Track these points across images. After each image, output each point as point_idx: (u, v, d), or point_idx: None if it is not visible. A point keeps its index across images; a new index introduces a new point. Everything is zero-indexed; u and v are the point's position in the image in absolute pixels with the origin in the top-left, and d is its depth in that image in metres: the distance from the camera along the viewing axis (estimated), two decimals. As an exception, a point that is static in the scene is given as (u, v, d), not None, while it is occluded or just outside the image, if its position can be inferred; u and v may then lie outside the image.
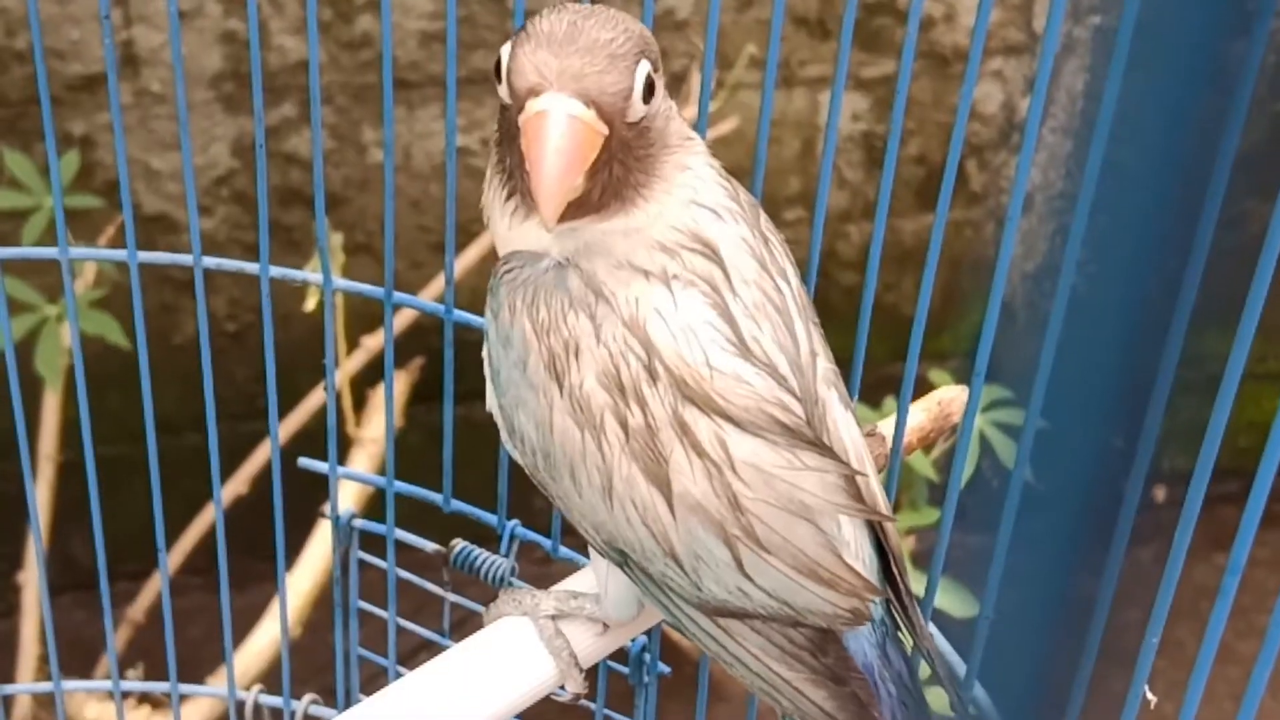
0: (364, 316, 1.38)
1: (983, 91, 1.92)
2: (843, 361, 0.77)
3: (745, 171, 0.78)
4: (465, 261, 1.57)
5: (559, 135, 0.62)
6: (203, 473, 0.91)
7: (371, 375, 1.52)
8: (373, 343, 1.49)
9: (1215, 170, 0.41)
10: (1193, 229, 0.46)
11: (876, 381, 1.10)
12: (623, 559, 0.69)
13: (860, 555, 0.68)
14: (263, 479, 1.00)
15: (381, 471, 0.97)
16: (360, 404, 1.51)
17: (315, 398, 1.52)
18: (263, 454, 1.49)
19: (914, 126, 1.93)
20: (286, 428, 1.49)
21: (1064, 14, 0.61)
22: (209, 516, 1.50)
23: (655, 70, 0.65)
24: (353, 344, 1.47)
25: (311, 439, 0.97)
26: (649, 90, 0.65)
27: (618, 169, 0.65)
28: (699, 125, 0.78)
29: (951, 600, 0.90)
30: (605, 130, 0.64)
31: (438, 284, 1.59)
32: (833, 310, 0.93)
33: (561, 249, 0.67)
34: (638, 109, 0.65)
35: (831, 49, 1.90)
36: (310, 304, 1.34)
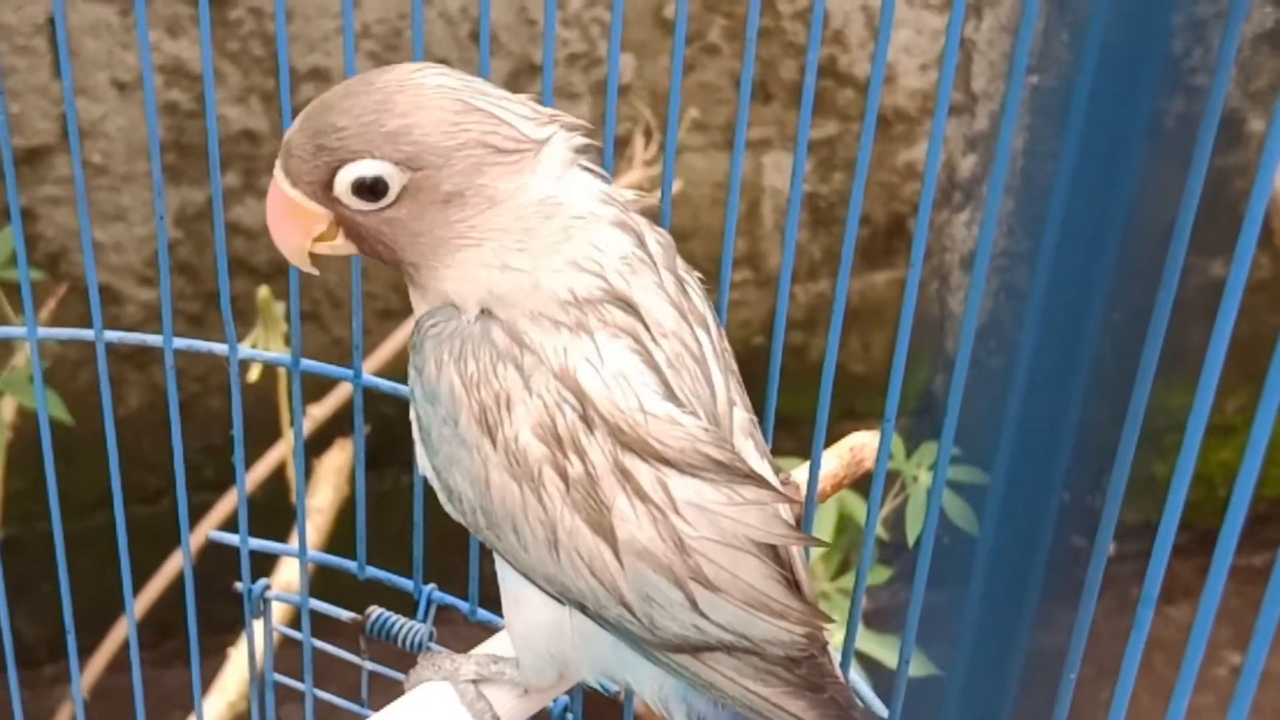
0: (308, 386, 1.37)
1: (923, 150, 1.94)
2: (789, 422, 0.77)
3: (689, 234, 0.78)
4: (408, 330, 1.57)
5: (271, 200, 0.68)
6: (147, 545, 0.90)
7: (317, 444, 1.50)
8: (319, 412, 1.48)
9: (1175, 229, 0.41)
10: (1138, 284, 0.47)
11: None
12: (581, 608, 0.69)
13: (807, 582, 0.69)
14: (207, 550, 0.99)
15: (327, 543, 0.96)
16: (305, 474, 1.50)
17: (259, 468, 1.51)
18: (208, 525, 1.48)
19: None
20: (231, 499, 1.47)
21: (1000, 74, 0.62)
22: (154, 590, 1.48)
23: (411, 169, 0.64)
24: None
25: (256, 509, 0.96)
26: (369, 190, 0.65)
27: (383, 250, 0.67)
28: (664, 183, 0.78)
29: (890, 654, 0.90)
30: (317, 209, 0.66)
31: (383, 352, 1.58)
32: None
33: (463, 302, 0.67)
34: (354, 202, 0.65)
35: (773, 111, 1.91)
36: (254, 374, 1.33)
